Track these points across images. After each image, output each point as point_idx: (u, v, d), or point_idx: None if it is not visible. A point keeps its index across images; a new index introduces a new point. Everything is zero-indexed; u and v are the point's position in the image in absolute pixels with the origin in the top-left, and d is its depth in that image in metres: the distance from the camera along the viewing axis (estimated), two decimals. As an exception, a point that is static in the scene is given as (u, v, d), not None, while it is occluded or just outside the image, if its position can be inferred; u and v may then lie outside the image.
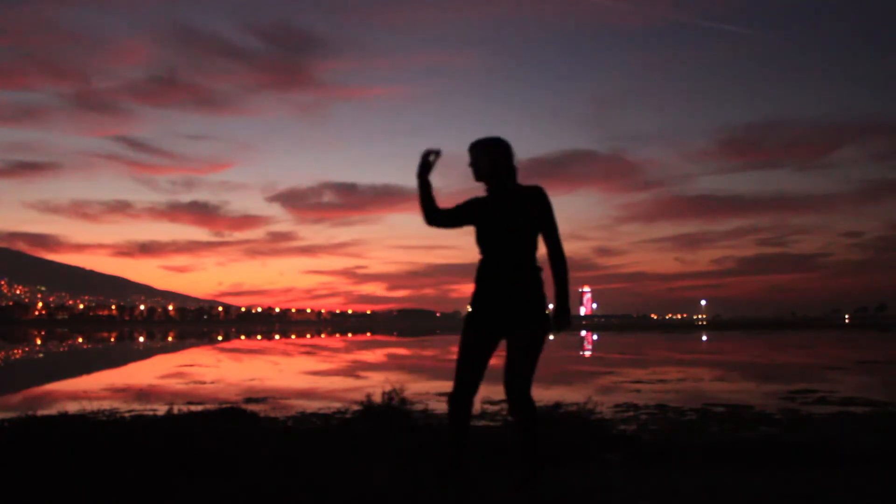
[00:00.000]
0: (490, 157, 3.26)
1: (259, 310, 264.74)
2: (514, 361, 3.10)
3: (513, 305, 3.13)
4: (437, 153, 3.38)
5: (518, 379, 3.08)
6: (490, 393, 9.70)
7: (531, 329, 3.12)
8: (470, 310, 3.24)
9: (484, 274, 3.21)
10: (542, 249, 3.25)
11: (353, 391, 10.13)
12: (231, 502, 3.07)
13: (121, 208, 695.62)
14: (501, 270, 3.16)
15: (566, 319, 3.19)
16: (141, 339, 45.24)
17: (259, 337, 47.35)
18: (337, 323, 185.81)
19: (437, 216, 3.34)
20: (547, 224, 3.22)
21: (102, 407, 7.64)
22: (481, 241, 3.25)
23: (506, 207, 3.22)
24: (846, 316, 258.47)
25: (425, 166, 3.35)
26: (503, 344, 3.20)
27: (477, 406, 7.51)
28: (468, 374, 3.18)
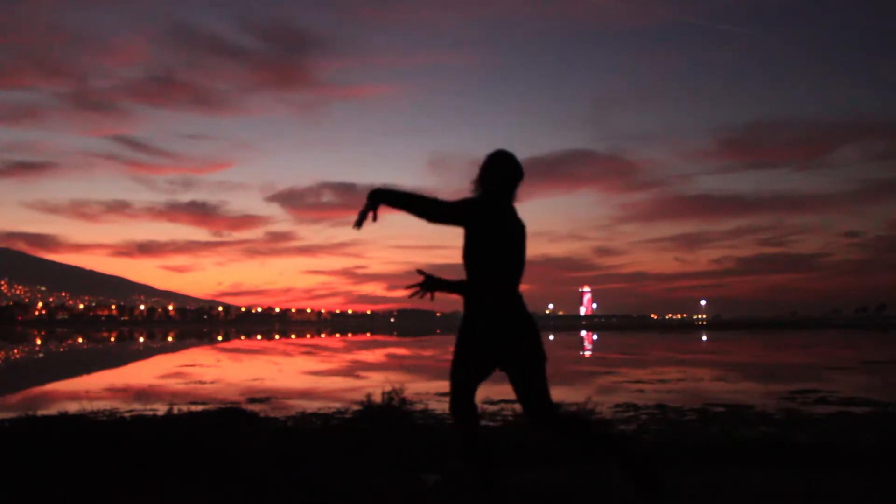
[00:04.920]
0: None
1: (259, 310, 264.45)
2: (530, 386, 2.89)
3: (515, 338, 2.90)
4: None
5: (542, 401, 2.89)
6: (490, 393, 9.72)
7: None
8: (465, 330, 2.98)
9: (498, 300, 2.92)
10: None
11: (353, 391, 10.14)
12: (231, 502, 3.07)
13: (120, 208, 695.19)
14: (509, 299, 2.93)
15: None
16: (141, 339, 45.23)
17: (259, 337, 47.33)
18: (337, 323, 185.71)
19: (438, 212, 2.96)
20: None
21: (102, 407, 7.66)
22: (495, 259, 2.93)
23: (516, 229, 2.99)
24: (846, 316, 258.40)
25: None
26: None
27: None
28: (464, 379, 2.98)
